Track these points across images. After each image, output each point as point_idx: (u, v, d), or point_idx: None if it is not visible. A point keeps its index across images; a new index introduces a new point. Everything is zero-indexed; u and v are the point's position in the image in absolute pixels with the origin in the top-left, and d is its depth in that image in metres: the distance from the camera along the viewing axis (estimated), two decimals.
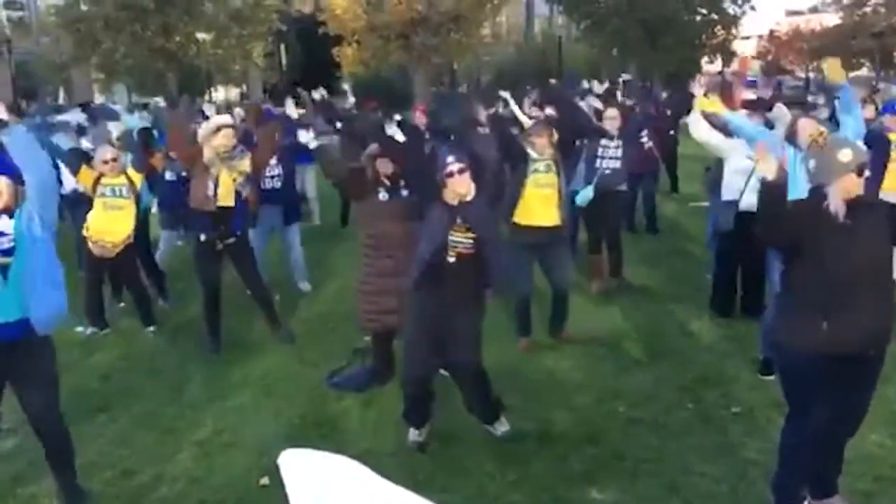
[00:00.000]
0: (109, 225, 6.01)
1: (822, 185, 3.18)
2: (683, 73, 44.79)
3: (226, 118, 6.24)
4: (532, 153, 5.54)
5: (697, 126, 5.91)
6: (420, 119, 9.81)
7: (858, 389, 3.32)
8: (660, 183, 11.09)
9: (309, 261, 7.72)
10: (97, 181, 6.03)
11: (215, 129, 5.69)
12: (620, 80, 16.46)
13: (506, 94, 8.79)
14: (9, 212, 3.40)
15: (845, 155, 3.11)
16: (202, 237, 5.73)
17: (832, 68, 5.23)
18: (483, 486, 3.86)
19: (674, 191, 12.19)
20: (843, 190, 3.12)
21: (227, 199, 5.65)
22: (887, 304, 3.24)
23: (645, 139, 9.32)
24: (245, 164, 5.78)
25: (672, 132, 11.36)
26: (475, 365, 4.20)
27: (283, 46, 30.59)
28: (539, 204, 5.53)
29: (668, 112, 10.53)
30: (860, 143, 3.33)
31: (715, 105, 5.83)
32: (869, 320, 3.15)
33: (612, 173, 6.88)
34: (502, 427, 4.33)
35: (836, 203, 3.11)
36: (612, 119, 7.03)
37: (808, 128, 4.86)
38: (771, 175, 3.21)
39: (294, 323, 6.40)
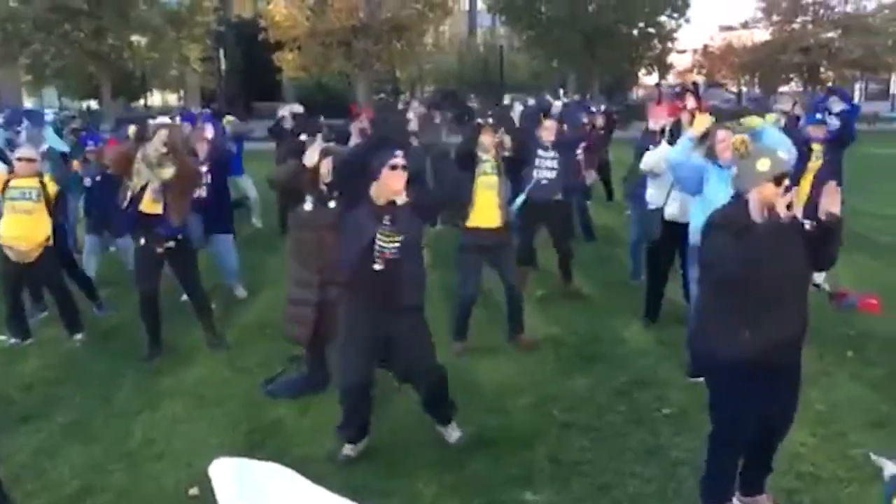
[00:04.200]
0: (20, 229, 5.82)
1: (742, 193, 3.23)
2: (622, 85, 45.97)
3: (166, 119, 6.13)
4: (480, 153, 5.62)
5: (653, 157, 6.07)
6: (364, 124, 9.79)
7: (783, 395, 3.41)
8: (594, 192, 11.34)
9: (246, 266, 7.60)
10: (6, 184, 5.84)
11: (154, 132, 5.58)
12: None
13: None
14: None
15: (763, 164, 3.15)
16: (142, 241, 5.60)
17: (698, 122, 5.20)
18: (419, 491, 3.84)
19: (609, 199, 12.40)
20: (762, 198, 3.15)
21: (151, 205, 5.54)
22: (803, 314, 3.31)
23: (579, 152, 9.51)
24: (168, 173, 5.58)
25: (606, 144, 11.62)
26: (436, 366, 4.20)
27: (221, 51, 30.07)
28: (484, 205, 5.62)
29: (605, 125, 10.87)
30: (784, 151, 3.37)
31: None
32: (788, 330, 3.24)
33: (547, 184, 6.96)
34: (456, 433, 4.32)
35: (756, 211, 3.15)
36: (548, 130, 7.09)
37: (725, 139, 5.00)
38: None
39: (229, 330, 6.29)
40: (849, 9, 40.71)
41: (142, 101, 30.24)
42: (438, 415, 4.34)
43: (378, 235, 3.91)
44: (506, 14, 34.60)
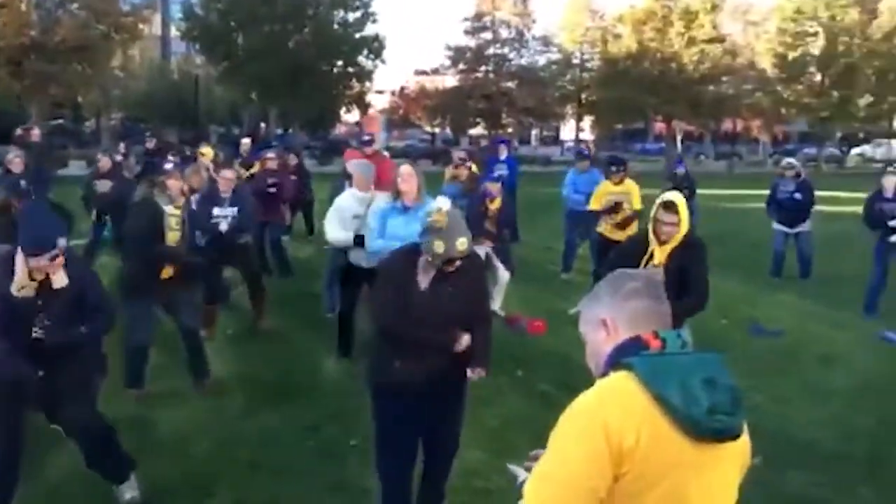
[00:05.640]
0: None
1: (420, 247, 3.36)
2: (325, 122, 46.81)
3: None
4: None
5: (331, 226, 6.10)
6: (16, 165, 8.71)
7: (439, 420, 3.59)
8: (295, 227, 11.34)
9: None
10: None
11: None
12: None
13: None
14: None
15: (439, 246, 3.25)
16: None
17: None
18: None
19: (309, 234, 12.47)
20: (430, 264, 3.34)
21: None
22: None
23: (273, 188, 9.44)
24: None
25: (309, 179, 11.75)
26: (92, 416, 3.79)
27: None
28: None
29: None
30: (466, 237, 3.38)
31: None
32: (440, 362, 3.42)
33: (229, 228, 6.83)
34: (131, 491, 3.92)
35: (423, 273, 3.35)
36: (227, 180, 6.89)
37: (405, 174, 5.32)
38: None
39: None
40: (523, 62, 45.58)
41: None
42: (107, 473, 3.92)
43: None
44: (200, 42, 33.64)
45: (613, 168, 8.57)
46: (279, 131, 42.11)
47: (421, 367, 3.37)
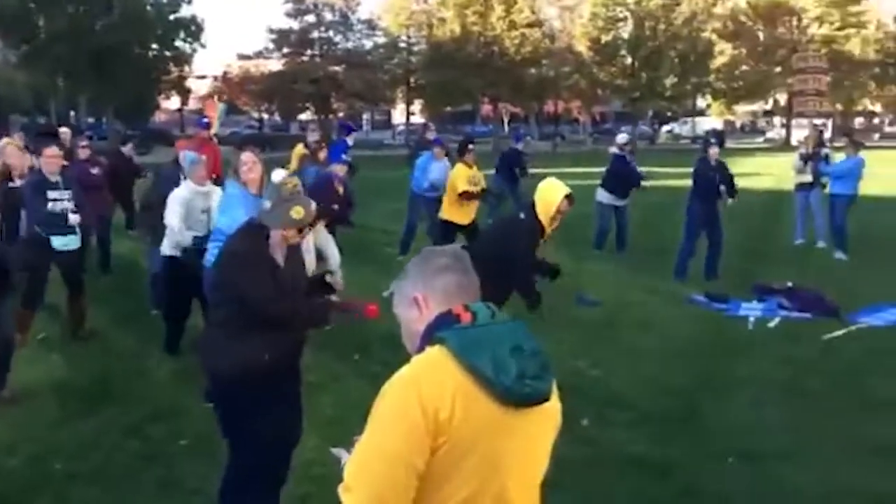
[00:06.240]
0: None
1: (262, 224, 3.26)
2: (142, 109, 44.24)
3: None
4: None
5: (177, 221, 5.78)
6: None
7: (296, 405, 3.56)
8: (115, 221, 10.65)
9: None
10: None
11: None
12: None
13: None
14: None
15: (297, 212, 3.23)
16: None
17: None
18: None
19: (129, 228, 11.76)
20: (282, 239, 3.27)
21: None
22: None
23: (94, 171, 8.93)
24: None
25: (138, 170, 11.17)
26: None
27: None
28: None
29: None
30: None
31: None
32: (297, 346, 3.46)
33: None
34: None
35: (276, 249, 3.26)
36: (53, 157, 6.33)
37: (248, 162, 5.18)
38: None
39: None
40: (349, 46, 45.26)
41: None
42: None
43: None
44: None
45: (471, 147, 8.87)
46: (91, 119, 39.36)
47: (287, 354, 3.35)
